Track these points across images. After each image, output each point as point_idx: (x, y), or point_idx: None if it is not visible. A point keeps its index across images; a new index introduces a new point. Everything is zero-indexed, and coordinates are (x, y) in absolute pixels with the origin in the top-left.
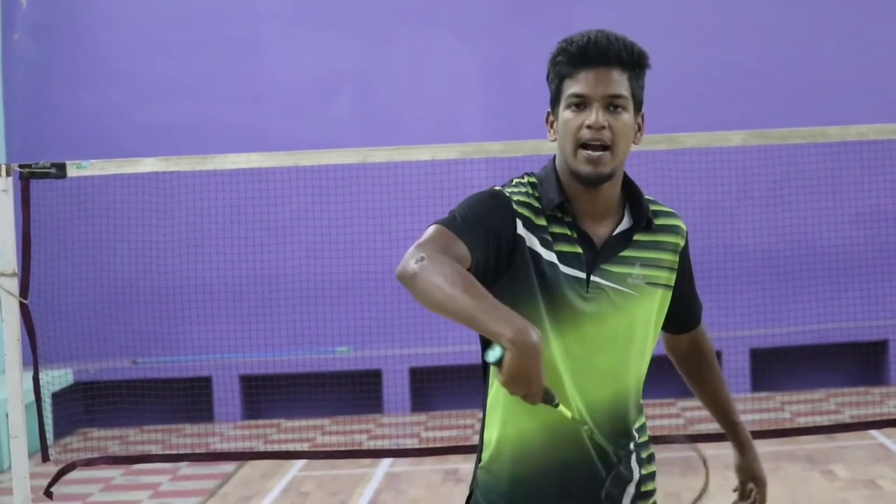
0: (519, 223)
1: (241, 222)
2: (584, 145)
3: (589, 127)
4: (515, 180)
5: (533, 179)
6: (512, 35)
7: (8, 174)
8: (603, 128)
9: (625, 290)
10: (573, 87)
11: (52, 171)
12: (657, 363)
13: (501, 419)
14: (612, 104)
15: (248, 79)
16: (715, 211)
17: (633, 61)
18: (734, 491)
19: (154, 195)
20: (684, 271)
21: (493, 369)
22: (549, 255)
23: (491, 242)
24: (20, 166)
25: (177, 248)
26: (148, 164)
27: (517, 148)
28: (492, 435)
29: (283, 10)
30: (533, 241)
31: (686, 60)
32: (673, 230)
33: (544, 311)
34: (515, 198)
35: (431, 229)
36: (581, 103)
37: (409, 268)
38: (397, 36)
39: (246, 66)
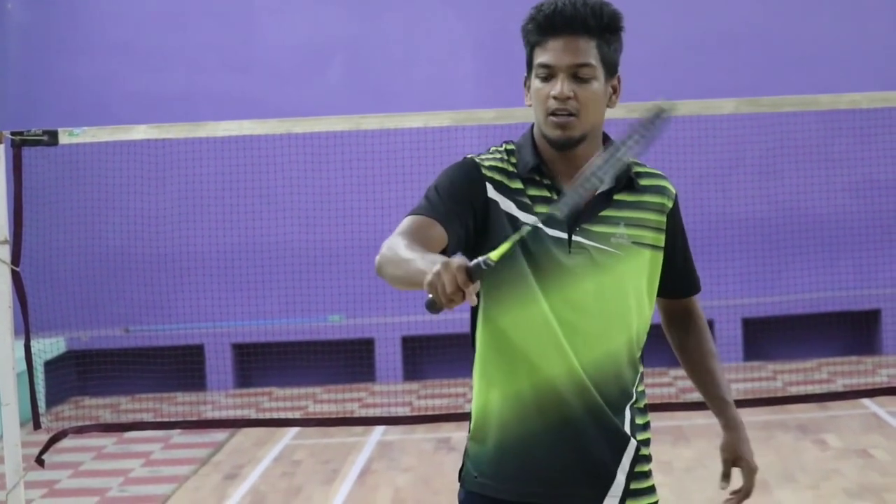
0: (489, 187)
1: (233, 190)
2: (553, 113)
3: (555, 97)
4: (493, 148)
5: (510, 146)
6: (505, 2)
7: (0, 141)
8: (568, 98)
9: (608, 249)
10: (541, 57)
11: (45, 138)
12: (649, 332)
13: (485, 386)
14: (578, 73)
15: (240, 47)
16: (707, 179)
17: (601, 27)
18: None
19: (146, 163)
20: (675, 233)
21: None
22: (528, 219)
23: (465, 213)
24: (12, 133)
25: (169, 217)
26: (140, 132)
27: (510, 115)
28: (478, 403)
29: None
30: (508, 205)
31: (678, 28)
32: (658, 190)
33: (529, 272)
34: (486, 163)
35: (403, 221)
36: (548, 73)
37: (376, 262)
38: (389, 3)
39: (238, 34)
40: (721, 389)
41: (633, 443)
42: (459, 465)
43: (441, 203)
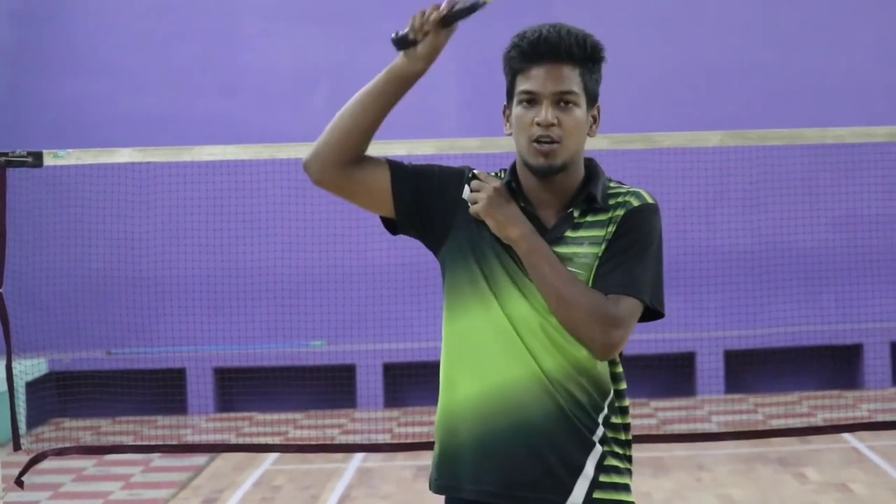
0: (466, 188)
1: (217, 214)
2: (536, 140)
3: (538, 124)
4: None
5: (501, 175)
6: (490, 31)
7: None
8: (552, 125)
9: (573, 270)
10: (524, 84)
11: (29, 159)
12: (629, 363)
13: (445, 387)
14: (562, 100)
15: (226, 71)
16: (692, 211)
17: (584, 56)
18: None
19: (130, 186)
20: (616, 234)
21: None
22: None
23: (425, 197)
24: None
25: (152, 240)
26: (125, 155)
27: (494, 144)
28: (439, 405)
29: (261, 3)
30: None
31: (665, 60)
32: (622, 205)
33: (485, 283)
34: (474, 173)
35: None
36: (532, 100)
37: (310, 153)
38: (375, 31)
39: (224, 58)
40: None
41: (597, 449)
42: None
43: (409, 170)
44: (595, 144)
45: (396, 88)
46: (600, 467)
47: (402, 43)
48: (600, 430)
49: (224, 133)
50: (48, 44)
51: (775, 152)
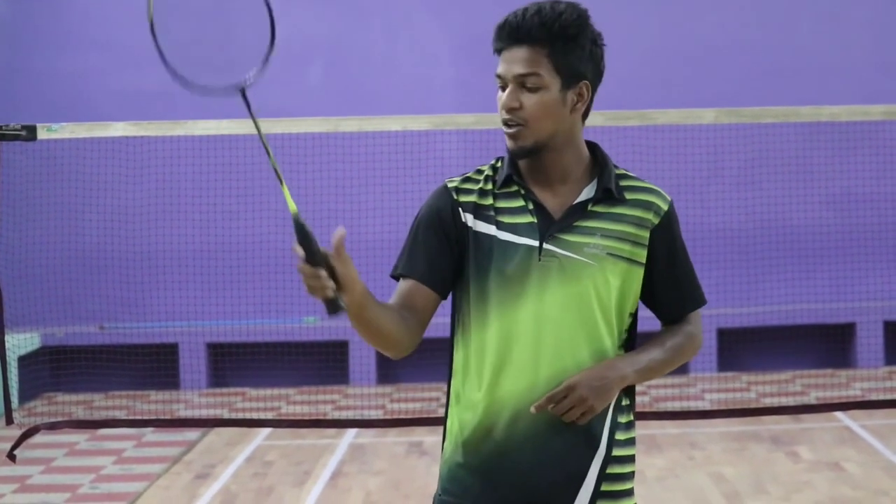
0: (461, 212)
1: (210, 189)
2: (505, 123)
3: (502, 108)
4: (479, 166)
5: (498, 163)
6: (485, 8)
7: None
8: (513, 108)
9: (581, 258)
10: (497, 68)
11: (23, 133)
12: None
13: (453, 403)
14: (525, 83)
15: None
16: (686, 189)
17: (550, 36)
18: None
19: (124, 160)
20: (660, 252)
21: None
22: (488, 229)
23: (445, 250)
24: None
25: (146, 214)
26: (118, 129)
27: (489, 121)
28: (448, 421)
29: None
30: (477, 224)
31: (660, 37)
32: (644, 205)
33: (496, 285)
34: (461, 186)
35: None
36: (502, 83)
37: None
38: (370, 6)
39: None
40: (651, 343)
41: (601, 453)
42: (431, 468)
43: (421, 255)
44: (589, 121)
45: (364, 323)
46: (603, 475)
47: (333, 308)
48: (607, 424)
49: (218, 108)
50: (43, 18)
51: (770, 130)
